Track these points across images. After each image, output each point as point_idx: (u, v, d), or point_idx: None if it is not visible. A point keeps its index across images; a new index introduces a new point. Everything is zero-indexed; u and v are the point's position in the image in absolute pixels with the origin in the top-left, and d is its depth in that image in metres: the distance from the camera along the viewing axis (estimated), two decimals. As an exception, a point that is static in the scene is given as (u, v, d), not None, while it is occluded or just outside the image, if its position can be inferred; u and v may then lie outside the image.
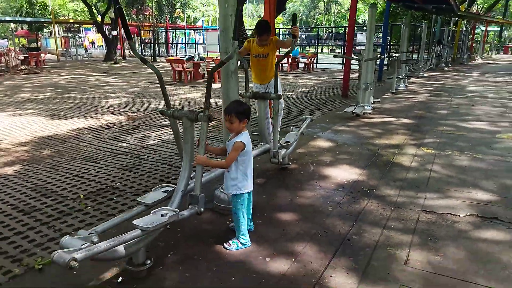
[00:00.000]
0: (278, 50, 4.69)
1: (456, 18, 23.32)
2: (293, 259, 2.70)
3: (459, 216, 3.33)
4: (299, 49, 24.66)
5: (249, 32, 20.55)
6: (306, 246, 2.87)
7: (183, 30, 32.71)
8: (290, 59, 18.68)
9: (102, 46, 36.19)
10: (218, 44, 23.80)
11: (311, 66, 18.93)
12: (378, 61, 12.90)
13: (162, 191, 2.97)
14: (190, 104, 9.43)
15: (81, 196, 3.90)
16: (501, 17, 36.02)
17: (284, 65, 19.53)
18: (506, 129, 6.39)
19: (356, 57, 7.37)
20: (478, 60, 26.66)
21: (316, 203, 3.62)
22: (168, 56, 28.82)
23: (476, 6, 32.94)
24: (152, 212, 2.48)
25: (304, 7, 50.70)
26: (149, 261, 2.56)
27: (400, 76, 11.29)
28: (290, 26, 5.32)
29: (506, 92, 11.02)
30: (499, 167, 4.52)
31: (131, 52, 34.11)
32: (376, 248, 2.83)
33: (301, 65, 19.89)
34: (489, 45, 35.79)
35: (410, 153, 5.12)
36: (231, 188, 2.80)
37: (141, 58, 2.90)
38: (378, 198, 3.71)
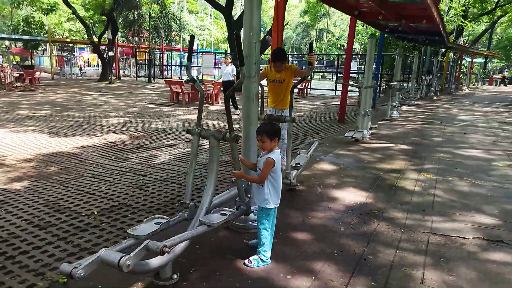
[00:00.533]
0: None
1: (444, 50, 24.27)
2: (313, 277, 2.78)
3: (466, 238, 3.46)
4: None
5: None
6: (324, 264, 2.96)
7: (178, 53, 33.17)
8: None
9: (95, 65, 36.44)
10: (214, 67, 24.41)
11: (305, 92, 19.33)
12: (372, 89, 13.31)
13: (155, 223, 2.83)
14: (190, 125, 9.54)
15: (95, 212, 3.94)
16: (485, 49, 37.52)
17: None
18: (500, 157, 6.65)
19: (357, 85, 7.65)
20: (465, 90, 27.56)
21: (328, 224, 3.73)
22: (163, 78, 29.13)
23: (462, 38, 34.28)
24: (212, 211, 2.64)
25: (297, 34, 52.10)
26: (175, 276, 2.62)
27: (394, 104, 11.65)
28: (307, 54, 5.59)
29: (496, 122, 11.43)
30: (498, 193, 4.71)
31: (125, 72, 34.36)
32: (392, 267, 2.93)
33: (295, 90, 20.27)
34: (475, 76, 37.05)
35: (412, 178, 5.29)
36: (263, 202, 2.91)
37: (192, 79, 3.06)
38: (388, 220, 3.84)
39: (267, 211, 2.93)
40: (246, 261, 2.95)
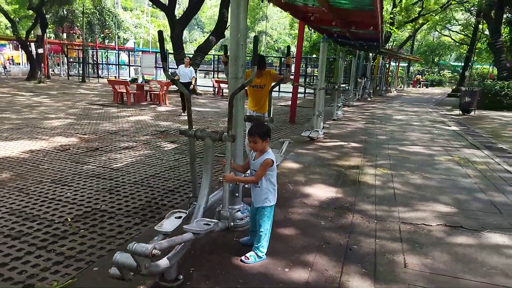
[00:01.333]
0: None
1: (375, 54, 26.03)
2: (309, 268, 2.94)
3: (431, 225, 3.85)
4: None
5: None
6: (316, 256, 3.13)
7: (114, 51, 31.73)
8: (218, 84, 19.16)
9: (19, 63, 33.54)
10: (156, 67, 23.76)
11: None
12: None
13: (176, 217, 2.91)
14: (143, 127, 9.27)
15: (69, 219, 3.74)
16: (409, 54, 40.86)
17: (225, 90, 19.96)
18: (440, 153, 7.38)
19: (312, 86, 7.99)
20: (393, 92, 29.80)
21: (308, 219, 3.91)
22: (98, 77, 27.66)
23: (388, 44, 36.99)
24: (195, 221, 2.59)
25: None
26: (181, 277, 2.62)
27: (339, 105, 12.31)
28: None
29: (427, 121, 12.59)
30: (447, 185, 5.26)
31: (55, 71, 32.01)
32: (376, 255, 3.19)
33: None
34: (400, 79, 40.15)
35: (370, 173, 5.69)
36: (262, 201, 2.99)
37: (172, 79, 3.02)
38: (360, 213, 4.13)
39: (265, 209, 3.02)
40: (243, 257, 3.02)
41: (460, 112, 15.08)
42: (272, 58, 45.18)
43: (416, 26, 36.17)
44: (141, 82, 14.59)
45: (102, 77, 28.47)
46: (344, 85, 12.68)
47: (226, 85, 20.21)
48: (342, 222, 3.86)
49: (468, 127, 11.26)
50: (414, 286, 2.74)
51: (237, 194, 3.49)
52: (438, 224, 3.88)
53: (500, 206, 4.42)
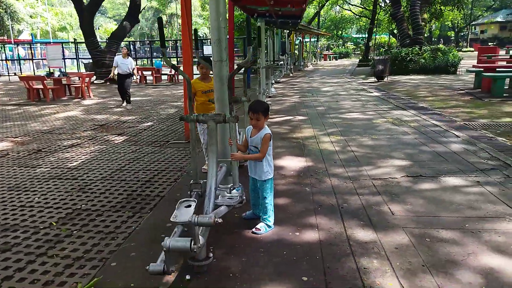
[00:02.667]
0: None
1: (289, 31, 26.96)
2: (316, 229, 3.21)
3: (397, 178, 4.38)
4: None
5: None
6: (316, 218, 3.42)
7: (11, 45, 28.32)
8: (154, 72, 18.51)
9: None
10: (63, 58, 21.82)
11: (177, 78, 19.15)
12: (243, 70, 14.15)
13: (186, 207, 2.94)
14: (77, 123, 8.67)
15: (54, 223, 3.52)
16: (317, 29, 42.98)
17: (148, 78, 19.22)
18: (375, 116, 8.15)
19: (255, 66, 8.17)
20: (310, 66, 31.29)
21: (294, 188, 4.18)
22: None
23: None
24: (220, 197, 2.71)
25: (146, 20, 49.97)
26: (211, 255, 2.70)
27: (272, 82, 12.72)
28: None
29: (351, 89, 13.62)
30: (393, 142, 5.91)
31: None
32: (366, 209, 3.57)
33: (164, 77, 19.89)
34: (313, 53, 42.17)
35: (327, 141, 6.14)
36: (264, 174, 3.14)
37: (172, 66, 2.98)
38: (335, 176, 4.51)
39: (268, 181, 3.20)
40: (254, 229, 3.19)
41: (375, 79, 16.52)
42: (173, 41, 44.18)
43: (323, 2, 38.12)
44: (58, 76, 13.40)
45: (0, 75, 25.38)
46: (280, 62, 13.04)
47: (149, 72, 19.52)
48: (324, 186, 4.19)
49: (387, 92, 12.45)
50: (407, 228, 3.17)
51: (231, 173, 3.59)
52: (402, 176, 4.42)
53: (443, 155, 5.14)
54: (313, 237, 3.08)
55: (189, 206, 2.90)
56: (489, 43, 51.72)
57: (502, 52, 24.43)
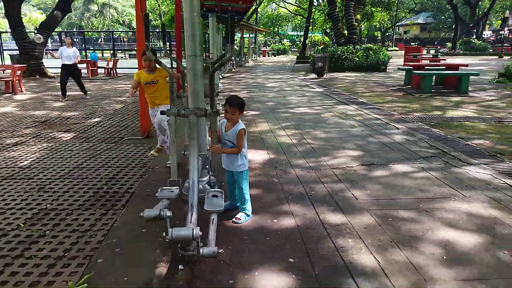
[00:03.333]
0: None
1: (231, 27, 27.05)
2: (292, 216, 3.44)
3: (353, 166, 4.77)
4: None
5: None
6: (290, 206, 3.65)
7: None
8: (90, 65, 17.57)
9: None
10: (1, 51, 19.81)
11: (115, 71, 18.36)
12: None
13: (169, 191, 3.12)
14: (14, 120, 8.06)
15: (21, 225, 3.36)
16: (255, 26, 43.61)
17: (83, 71, 18.17)
18: (322, 111, 8.64)
19: (208, 62, 8.21)
20: (251, 62, 31.74)
21: (262, 179, 4.38)
22: None
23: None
24: (206, 198, 2.79)
25: (76, 9, 46.87)
26: (202, 244, 2.80)
27: (220, 77, 12.79)
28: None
29: (295, 85, 14.16)
30: (344, 135, 6.36)
31: None
32: (332, 195, 3.89)
33: (100, 71, 18.98)
34: (253, 49, 42.71)
35: (283, 134, 6.43)
36: (240, 167, 3.29)
37: (155, 60, 2.99)
38: (298, 167, 4.79)
39: (244, 173, 3.36)
40: (234, 219, 3.33)
41: (316, 76, 17.30)
42: (117, 32, 42.18)
43: (260, 0, 38.69)
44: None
45: None
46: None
47: (83, 65, 18.46)
48: (289, 176, 4.45)
49: (328, 88, 13.16)
50: (371, 210, 3.53)
51: (207, 166, 3.70)
52: (357, 165, 4.82)
53: (389, 145, 5.68)
54: (290, 223, 3.31)
55: (172, 191, 3.03)
56: (412, 43, 56.35)
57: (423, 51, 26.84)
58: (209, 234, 2.73)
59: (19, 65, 12.24)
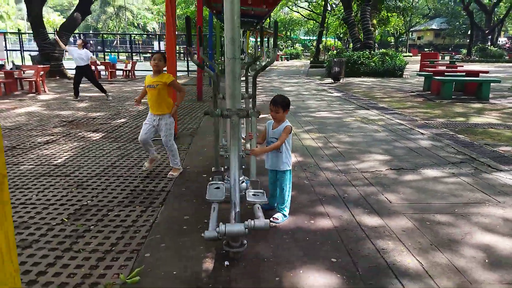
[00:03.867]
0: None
1: (244, 30, 27.26)
2: (328, 217, 3.50)
3: (382, 171, 4.81)
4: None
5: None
6: (324, 208, 3.70)
7: None
8: (109, 67, 17.87)
9: None
10: (6, 50, 20.29)
11: (133, 73, 18.62)
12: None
13: (216, 188, 3.22)
14: (42, 119, 8.25)
15: (65, 219, 3.47)
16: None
17: (102, 73, 18.49)
18: (344, 115, 8.67)
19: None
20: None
21: (294, 181, 4.41)
22: None
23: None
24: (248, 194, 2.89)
25: (93, 11, 47.68)
26: (245, 241, 2.87)
27: (238, 80, 12.89)
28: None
29: (312, 90, 14.20)
30: (369, 139, 6.39)
31: None
32: (365, 198, 3.93)
33: (119, 73, 19.27)
34: (267, 53, 42.90)
35: (308, 138, 6.49)
36: (283, 165, 3.37)
37: (198, 64, 3.08)
38: (327, 170, 4.84)
39: (287, 172, 3.43)
40: (271, 219, 3.39)
41: (332, 80, 17.32)
42: (133, 35, 42.68)
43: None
44: (10, 69, 12.54)
45: None
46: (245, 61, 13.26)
47: (103, 67, 18.79)
48: (320, 179, 4.50)
49: (346, 93, 13.17)
50: (407, 214, 3.56)
51: (244, 166, 3.78)
52: (386, 169, 4.85)
53: (416, 150, 5.69)
54: (327, 224, 3.36)
55: (218, 187, 3.13)
56: (425, 49, 55.95)
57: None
58: (256, 214, 2.93)
59: (43, 66, 12.52)
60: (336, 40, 54.45)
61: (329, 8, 39.34)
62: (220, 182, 3.17)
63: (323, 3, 35.58)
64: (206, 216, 3.47)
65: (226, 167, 3.86)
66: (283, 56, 46.16)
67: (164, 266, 2.73)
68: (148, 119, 4.64)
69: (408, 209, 3.65)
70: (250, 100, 4.86)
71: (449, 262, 2.76)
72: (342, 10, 32.03)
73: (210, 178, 3.37)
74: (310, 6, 48.89)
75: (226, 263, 2.75)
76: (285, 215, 3.45)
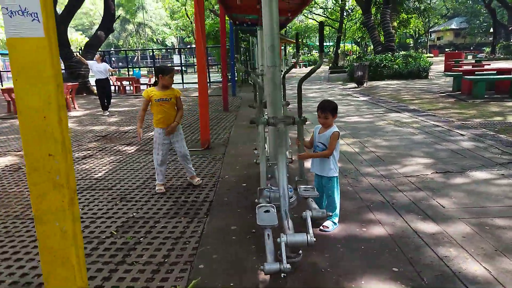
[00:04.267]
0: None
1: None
2: (380, 224, 3.38)
3: (428, 174, 4.64)
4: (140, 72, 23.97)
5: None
6: (373, 214, 3.58)
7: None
8: (134, 82, 18.22)
9: None
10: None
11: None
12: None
13: (265, 211, 3.06)
14: (76, 134, 8.42)
15: (114, 232, 3.48)
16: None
17: (127, 88, 18.88)
18: (375, 119, 8.51)
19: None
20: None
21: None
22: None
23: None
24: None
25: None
26: (301, 251, 2.79)
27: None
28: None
29: (337, 95, 14.06)
30: (407, 142, 6.22)
31: None
32: (416, 203, 3.78)
33: (143, 87, 19.62)
34: (285, 61, 42.99)
35: (343, 143, 6.36)
36: (330, 171, 3.29)
37: (246, 71, 3.06)
38: (369, 175, 4.71)
39: (334, 179, 3.34)
40: (321, 227, 3.31)
41: (356, 84, 17.12)
42: (150, 50, 43.59)
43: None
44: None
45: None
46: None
47: (127, 82, 19.20)
48: (364, 185, 4.38)
49: (372, 96, 12.96)
50: (463, 218, 3.40)
51: (270, 175, 3.71)
52: (432, 173, 4.69)
53: (459, 152, 5.49)
54: (380, 231, 3.25)
55: (267, 211, 3.01)
56: (446, 49, 54.84)
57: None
58: (311, 206, 2.97)
59: (72, 83, 12.85)
60: (354, 44, 54.05)
61: (345, 14, 39.22)
62: (269, 204, 3.07)
63: (339, 9, 35.44)
64: (253, 225, 3.43)
65: (269, 175, 3.80)
66: (301, 63, 46.10)
67: (220, 278, 2.68)
68: (160, 139, 4.46)
69: (463, 214, 3.49)
70: (287, 107, 4.82)
71: (520, 269, 2.60)
72: (359, 15, 31.88)
73: (256, 200, 3.30)
74: (325, 13, 48.83)
75: (283, 274, 2.67)
76: (335, 223, 3.36)
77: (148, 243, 3.25)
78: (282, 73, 5.54)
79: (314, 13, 51.72)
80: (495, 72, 12.16)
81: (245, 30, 15.93)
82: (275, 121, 3.20)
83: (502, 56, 37.47)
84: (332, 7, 46.76)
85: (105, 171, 5.46)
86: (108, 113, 11.26)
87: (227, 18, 11.59)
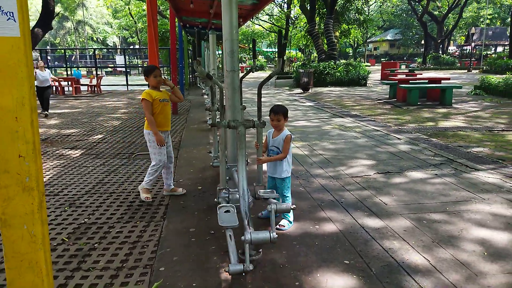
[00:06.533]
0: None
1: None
2: (331, 222, 3.60)
3: (371, 175, 5.00)
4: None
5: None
6: (326, 213, 3.81)
7: None
8: (74, 82, 17.32)
9: None
10: None
11: (99, 89, 18.15)
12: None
13: (226, 211, 3.12)
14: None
15: (65, 239, 3.36)
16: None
17: (66, 89, 17.90)
18: (321, 123, 8.91)
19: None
20: (231, 78, 32.03)
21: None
22: None
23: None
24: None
25: (50, 26, 46.19)
26: (260, 249, 2.91)
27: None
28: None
29: (284, 100, 14.47)
30: (351, 145, 6.62)
31: None
32: (362, 201, 4.08)
33: (83, 88, 18.72)
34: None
35: (293, 146, 6.49)
36: (284, 173, 3.45)
37: (208, 75, 3.11)
38: (319, 177, 4.97)
39: (287, 180, 3.51)
40: (278, 226, 3.45)
41: (301, 90, 17.72)
42: (91, 50, 41.70)
43: (239, 16, 39.18)
44: None
45: None
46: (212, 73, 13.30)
47: (66, 83, 18.20)
48: (315, 186, 4.62)
49: (318, 102, 13.53)
50: (404, 214, 3.73)
51: (228, 177, 3.81)
52: (374, 173, 5.05)
53: (397, 154, 5.96)
54: (332, 228, 3.47)
55: (228, 211, 3.09)
56: (382, 59, 58.48)
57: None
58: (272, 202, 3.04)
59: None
60: (298, 51, 55.71)
61: (290, 22, 40.41)
62: (229, 205, 3.15)
63: (285, 16, 36.43)
64: (211, 227, 3.50)
65: (228, 177, 3.88)
66: (247, 68, 46.64)
67: (182, 279, 2.71)
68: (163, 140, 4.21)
69: (404, 210, 3.83)
70: (244, 111, 4.93)
71: (453, 257, 2.93)
72: (304, 23, 32.99)
73: (215, 199, 3.38)
74: (271, 19, 49.93)
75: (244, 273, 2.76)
76: (290, 222, 3.52)
77: (103, 249, 3.18)
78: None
79: (260, 19, 52.68)
80: (426, 81, 13.27)
81: (193, 33, 15.86)
82: (236, 124, 3.30)
83: (431, 66, 40.74)
84: (277, 15, 47.92)
85: (50, 175, 5.20)
86: (47, 112, 10.71)
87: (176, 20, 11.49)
